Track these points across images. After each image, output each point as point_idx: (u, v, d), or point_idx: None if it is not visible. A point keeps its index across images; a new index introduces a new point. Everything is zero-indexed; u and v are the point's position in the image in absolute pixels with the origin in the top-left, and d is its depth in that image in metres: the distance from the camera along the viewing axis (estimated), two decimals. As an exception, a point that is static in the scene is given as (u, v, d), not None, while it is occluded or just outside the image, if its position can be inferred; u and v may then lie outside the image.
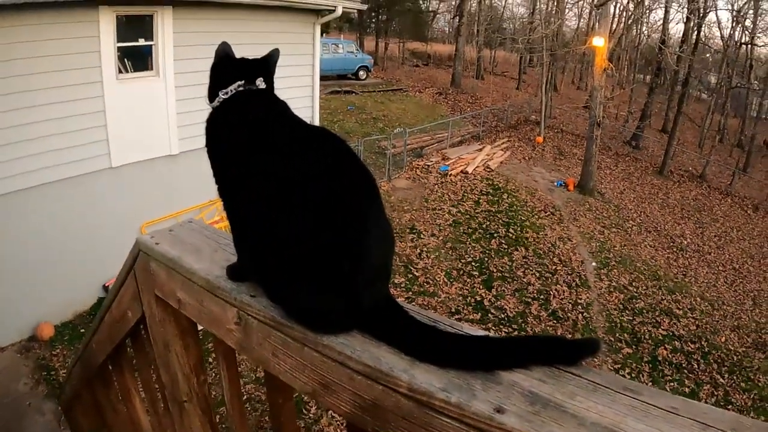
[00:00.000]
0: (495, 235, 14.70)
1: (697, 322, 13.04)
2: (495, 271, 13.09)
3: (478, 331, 1.05)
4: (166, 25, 8.73)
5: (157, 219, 9.27)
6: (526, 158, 22.00)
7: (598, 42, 19.06)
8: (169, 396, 1.77)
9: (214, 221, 9.90)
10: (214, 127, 1.26)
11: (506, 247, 14.26)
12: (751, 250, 19.23)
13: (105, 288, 9.15)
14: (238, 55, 1.35)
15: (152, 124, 9.09)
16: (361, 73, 28.79)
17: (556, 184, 19.81)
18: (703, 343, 12.21)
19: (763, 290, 16.42)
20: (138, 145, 8.89)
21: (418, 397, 0.92)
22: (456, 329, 1.07)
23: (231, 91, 1.27)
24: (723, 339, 12.68)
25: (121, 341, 2.09)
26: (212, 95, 1.29)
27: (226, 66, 1.33)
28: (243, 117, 1.24)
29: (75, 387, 3.02)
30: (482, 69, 37.00)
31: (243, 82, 1.28)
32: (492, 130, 24.42)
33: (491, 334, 1.06)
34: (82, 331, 8.45)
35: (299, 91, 11.06)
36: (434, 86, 30.62)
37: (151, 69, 9.00)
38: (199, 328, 1.58)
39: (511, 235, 14.87)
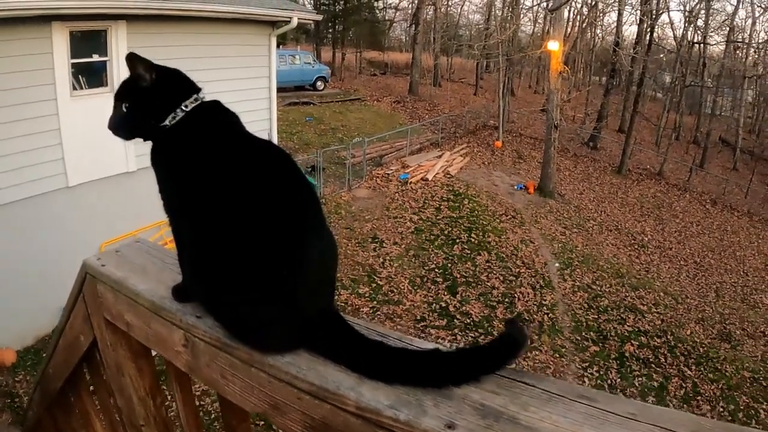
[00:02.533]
0: (457, 240, 14.66)
1: (661, 317, 13.14)
2: (459, 276, 13.03)
3: (428, 345, 1.02)
4: (120, 40, 8.58)
5: (117, 237, 8.97)
6: (486, 163, 22.10)
7: (553, 46, 19.25)
8: (126, 421, 1.71)
9: (172, 239, 9.72)
10: (177, 142, 1.19)
11: (469, 252, 14.22)
12: (711, 244, 19.56)
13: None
14: (176, 70, 1.29)
15: (109, 142, 8.70)
16: (318, 83, 28.71)
17: (516, 187, 19.93)
18: (669, 337, 12.28)
19: (725, 282, 16.71)
20: (95, 163, 8.70)
21: (367, 415, 0.90)
22: (405, 343, 1.04)
23: (188, 105, 1.21)
24: (688, 332, 12.78)
25: (77, 366, 2.01)
26: (166, 111, 1.20)
27: (177, 78, 1.26)
28: (208, 132, 1.20)
29: (36, 414, 2.93)
30: (439, 76, 37.26)
31: (198, 94, 1.23)
32: (451, 137, 24.50)
33: (446, 344, 1.02)
34: (45, 355, 8.17)
35: (256, 104, 10.93)
36: (392, 95, 30.69)
37: (106, 85, 8.83)
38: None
39: (473, 240, 14.85)
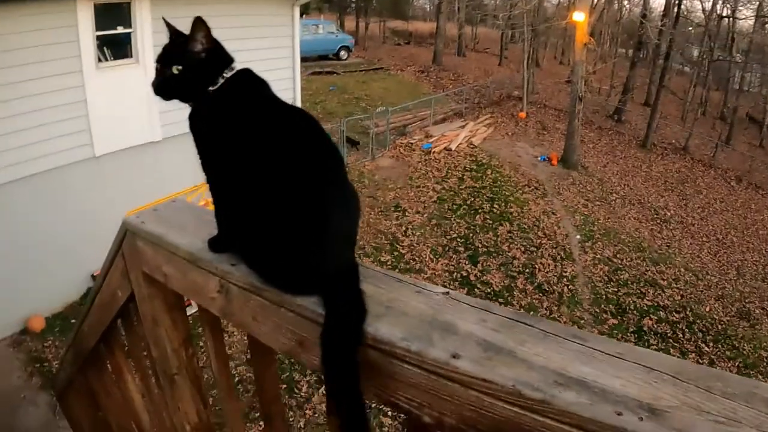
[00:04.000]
0: (479, 210, 14.72)
1: (681, 293, 13.19)
2: (480, 246, 13.12)
3: (439, 289, 1.13)
4: (144, 11, 8.63)
5: (142, 206, 9.06)
6: (510, 134, 21.94)
7: (579, 17, 18.96)
8: (159, 370, 1.83)
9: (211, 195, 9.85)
10: (218, 106, 1.28)
11: (491, 222, 14.30)
12: (734, 221, 19.34)
13: (93, 277, 9.06)
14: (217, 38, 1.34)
15: (134, 112, 8.99)
16: (342, 53, 28.54)
17: (539, 158, 19.81)
18: (687, 312, 12.33)
19: (746, 260, 16.58)
20: (120, 133, 8.83)
21: (382, 347, 1.00)
22: (419, 287, 1.15)
23: (228, 73, 1.31)
24: (708, 308, 12.82)
25: (112, 322, 2.15)
26: (216, 76, 1.30)
27: (222, 48, 1.34)
28: (247, 96, 1.30)
29: (68, 374, 3.14)
30: (464, 46, 36.67)
31: (234, 66, 1.33)
32: (475, 107, 24.27)
33: (456, 292, 1.11)
34: (73, 321, 8.38)
35: (280, 73, 10.97)
36: (416, 64, 30.39)
37: (131, 56, 8.90)
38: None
39: (495, 210, 14.90)
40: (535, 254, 13.21)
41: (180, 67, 1.29)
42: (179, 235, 1.48)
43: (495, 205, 15.11)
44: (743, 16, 30.58)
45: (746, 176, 23.73)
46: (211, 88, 1.29)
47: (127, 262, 1.74)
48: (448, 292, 1.11)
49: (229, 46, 1.34)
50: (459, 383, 0.91)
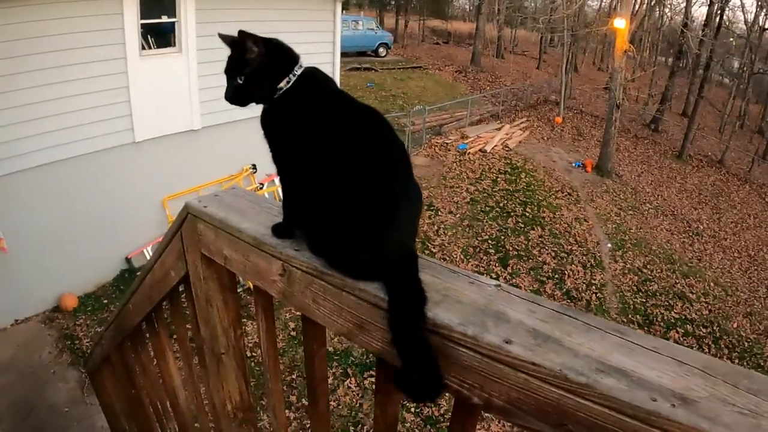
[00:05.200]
0: (512, 213, 14.78)
1: (709, 307, 13.13)
2: (511, 249, 13.20)
3: (491, 281, 1.21)
4: (188, 1, 8.80)
5: (179, 193, 9.45)
6: (545, 138, 21.91)
7: (620, 23, 18.88)
8: (207, 350, 1.93)
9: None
10: (291, 103, 1.36)
11: (523, 226, 14.34)
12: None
13: (127, 260, 9.37)
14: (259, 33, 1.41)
15: (174, 100, 9.21)
16: (380, 50, 28.75)
17: (574, 164, 19.76)
18: (714, 327, 12.30)
19: (777, 278, 16.39)
20: (160, 120, 9.02)
21: (440, 331, 1.07)
22: (472, 279, 1.23)
23: (297, 71, 1.38)
24: (735, 325, 12.76)
25: (160, 302, 2.26)
26: (280, 77, 1.37)
27: (281, 48, 1.41)
28: (318, 93, 1.38)
29: (105, 351, 3.23)
30: (502, 48, 36.59)
31: (300, 61, 1.40)
32: (511, 110, 24.27)
33: (505, 284, 1.21)
34: (105, 302, 8.71)
35: (320, 68, 11.10)
36: (454, 64, 30.43)
37: (174, 45, 9.09)
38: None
39: (527, 214, 14.95)
40: (565, 260, 13.24)
41: (242, 77, 1.38)
42: (241, 220, 1.55)
43: (527, 209, 15.16)
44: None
45: (782, 192, 23.46)
46: (281, 87, 1.36)
47: (185, 244, 1.82)
48: (499, 285, 1.19)
49: None
50: (509, 366, 0.99)
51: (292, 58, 1.40)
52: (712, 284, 14.34)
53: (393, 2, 39.26)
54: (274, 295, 1.50)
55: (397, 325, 1.13)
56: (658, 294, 12.97)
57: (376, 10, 37.52)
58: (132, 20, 8.18)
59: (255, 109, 1.42)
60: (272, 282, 1.46)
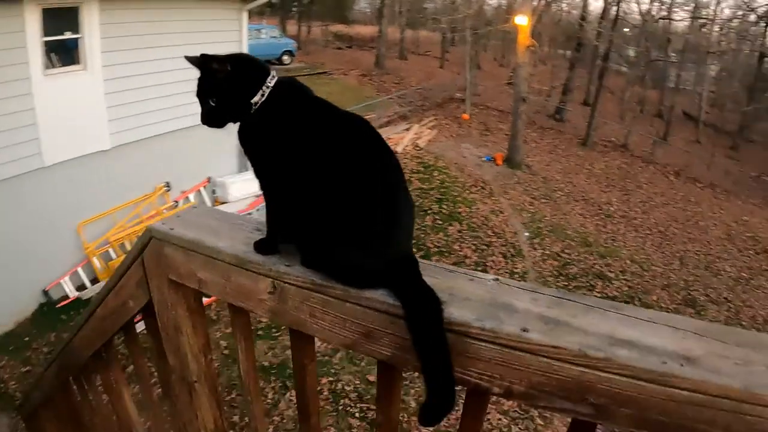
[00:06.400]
0: (429, 211, 14.70)
1: (629, 284, 13.46)
2: (432, 246, 13.13)
3: (489, 276, 1.26)
4: (92, 16, 8.44)
5: (93, 217, 9.12)
6: (454, 135, 22.22)
7: (522, 20, 19.31)
8: (177, 379, 1.84)
9: (150, 216, 9.66)
10: (270, 115, 1.33)
11: (441, 222, 14.29)
12: (675, 214, 19.92)
13: (45, 292, 8.85)
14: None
15: (83, 120, 8.77)
16: (285, 57, 28.32)
17: (484, 159, 20.08)
18: (636, 302, 12.51)
19: (688, 250, 17.06)
20: (70, 141, 8.57)
21: (457, 328, 1.10)
22: (470, 275, 1.28)
23: (270, 82, 1.34)
24: (655, 298, 13.10)
25: (114, 334, 2.16)
26: (253, 91, 1.33)
27: (249, 61, 1.38)
28: (294, 103, 1.34)
29: (46, 392, 3.01)
30: (406, 49, 37.14)
31: (272, 72, 1.37)
32: (418, 110, 24.45)
33: (502, 277, 1.27)
34: (27, 339, 8.19)
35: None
36: (359, 68, 30.45)
37: (79, 63, 8.67)
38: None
39: (444, 210, 14.91)
40: (485, 252, 13.28)
41: (214, 98, 1.36)
42: (216, 239, 1.50)
43: (444, 206, 15.12)
44: (679, 18, 31.65)
45: (684, 170, 24.54)
46: (256, 102, 1.32)
47: (147, 271, 1.72)
48: (497, 279, 1.25)
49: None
50: (530, 352, 1.04)
51: (262, 70, 1.36)
52: (628, 262, 14.70)
53: (295, 9, 38.98)
54: (262, 314, 1.45)
55: (419, 327, 1.12)
56: (578, 276, 13.19)
57: (278, 18, 37.05)
58: (35, 38, 7.78)
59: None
60: (259, 301, 1.42)
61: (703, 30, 33.65)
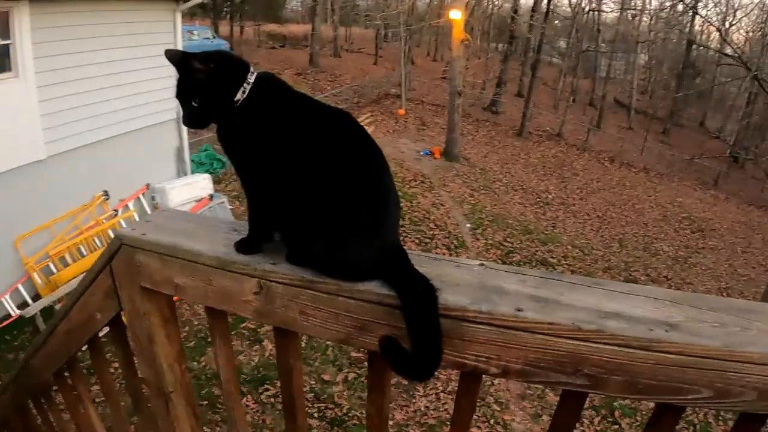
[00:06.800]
0: (369, 207, 14.60)
1: (571, 268, 13.66)
2: (374, 242, 13.02)
3: (474, 262, 1.28)
4: (23, 21, 7.92)
5: (32, 231, 8.68)
6: (391, 131, 22.29)
7: (456, 15, 19.37)
8: (153, 391, 1.76)
9: (89, 226, 9.29)
10: (253, 112, 1.28)
11: (382, 218, 14.20)
12: (612, 199, 20.46)
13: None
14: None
15: (16, 130, 8.29)
16: (218, 58, 27.80)
17: (422, 153, 20.17)
18: (579, 286, 12.70)
19: (626, 233, 17.54)
20: (2, 152, 8.07)
21: (453, 313, 1.12)
22: (457, 262, 1.30)
23: (251, 79, 1.30)
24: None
25: (77, 350, 2.05)
26: (235, 88, 1.29)
27: (228, 58, 1.33)
28: (275, 98, 1.31)
29: (1, 417, 2.81)
30: (339, 47, 37.10)
31: (252, 68, 1.33)
32: (354, 107, 24.32)
33: (487, 263, 1.28)
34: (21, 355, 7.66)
35: (163, 82, 10.43)
36: (293, 67, 30.14)
37: (10, 70, 8.15)
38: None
39: (385, 206, 14.81)
40: (429, 245, 13.21)
41: (197, 99, 1.30)
42: (194, 243, 1.43)
43: (384, 201, 15.05)
44: (609, 9, 32.43)
45: (618, 156, 25.22)
46: (238, 99, 1.28)
47: (116, 280, 1.62)
48: (483, 264, 1.27)
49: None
50: (526, 331, 1.08)
51: (242, 66, 1.31)
52: (569, 247, 14.96)
53: (226, 9, 38.39)
54: (247, 315, 1.41)
55: (417, 315, 1.13)
56: (522, 263, 13.23)
57: (209, 19, 36.39)
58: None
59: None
60: (244, 303, 1.37)
61: (633, 20, 34.58)
